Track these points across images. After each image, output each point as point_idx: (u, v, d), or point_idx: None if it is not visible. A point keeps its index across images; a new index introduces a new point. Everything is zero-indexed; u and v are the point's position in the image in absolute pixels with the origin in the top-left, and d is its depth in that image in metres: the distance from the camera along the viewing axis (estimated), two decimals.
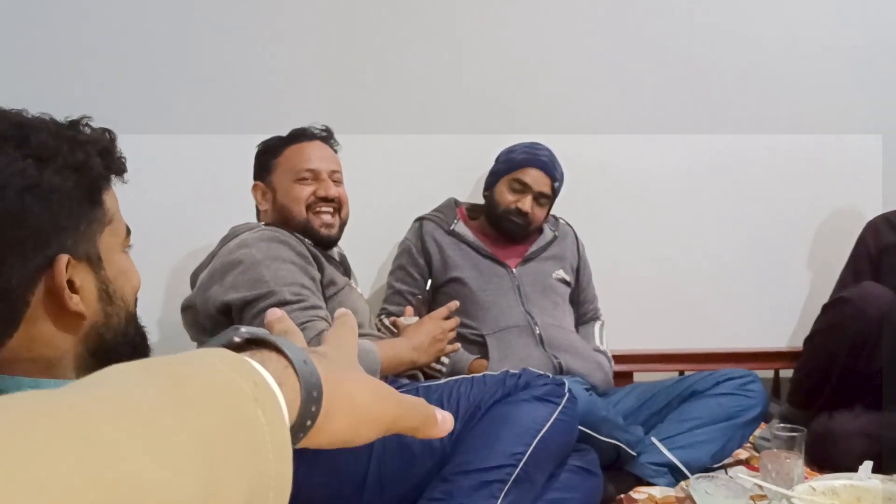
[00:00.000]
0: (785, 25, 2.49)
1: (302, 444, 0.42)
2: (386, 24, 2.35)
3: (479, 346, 2.05)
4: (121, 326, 0.82)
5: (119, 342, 0.83)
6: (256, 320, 1.48)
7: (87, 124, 0.81)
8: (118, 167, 0.83)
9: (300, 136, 1.83)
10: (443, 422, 0.51)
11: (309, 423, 0.41)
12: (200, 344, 1.70)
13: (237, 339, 0.43)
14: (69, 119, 0.81)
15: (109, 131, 0.84)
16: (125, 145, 0.85)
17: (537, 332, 2.05)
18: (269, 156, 1.83)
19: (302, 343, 0.52)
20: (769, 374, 2.52)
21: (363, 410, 0.46)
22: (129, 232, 0.86)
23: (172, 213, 2.18)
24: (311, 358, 0.43)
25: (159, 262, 2.16)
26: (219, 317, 1.58)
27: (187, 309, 1.69)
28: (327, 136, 1.86)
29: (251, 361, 0.39)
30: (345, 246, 1.96)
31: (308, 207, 1.75)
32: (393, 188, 2.37)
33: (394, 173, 2.38)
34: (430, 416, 0.51)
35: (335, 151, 1.87)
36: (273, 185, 1.79)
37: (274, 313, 0.53)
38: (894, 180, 2.53)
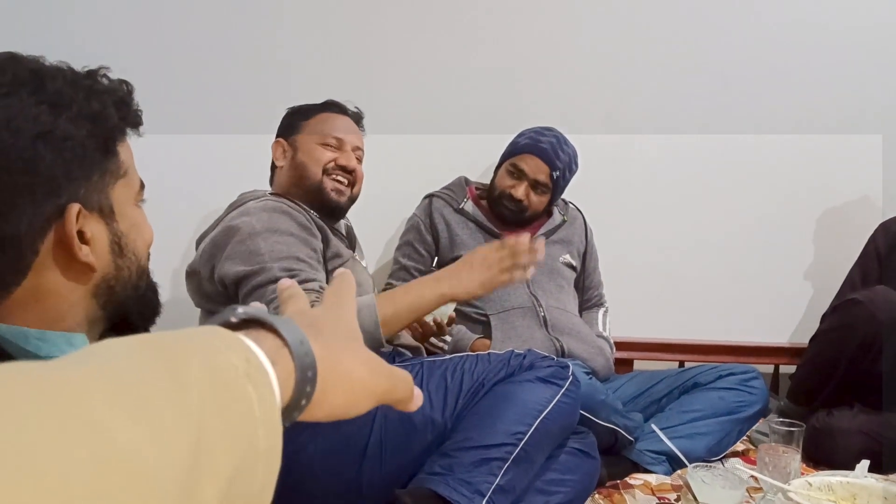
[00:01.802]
0: (787, 26, 2.48)
1: (299, 419, 0.43)
2: (395, 23, 2.34)
3: (482, 325, 2.05)
4: (132, 280, 0.82)
5: (130, 297, 0.82)
6: (251, 297, 1.48)
7: (104, 75, 0.80)
8: (134, 119, 0.82)
9: (334, 106, 1.85)
10: (417, 397, 0.53)
11: (304, 402, 0.42)
12: (204, 310, 1.70)
13: (234, 320, 0.44)
14: (87, 69, 0.80)
15: (127, 83, 0.82)
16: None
17: (541, 314, 2.04)
18: (298, 116, 1.83)
19: (305, 305, 0.53)
20: (769, 369, 2.52)
21: (359, 384, 0.47)
22: (142, 186, 0.85)
23: (187, 176, 2.19)
24: (307, 337, 0.43)
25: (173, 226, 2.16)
26: (219, 287, 1.58)
27: (191, 275, 1.69)
28: (358, 118, 1.88)
29: (245, 339, 0.39)
30: (353, 219, 1.96)
31: (325, 171, 1.75)
32: (406, 170, 2.36)
33: (407, 159, 2.37)
34: (412, 391, 0.53)
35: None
36: (296, 143, 1.79)
37: (284, 283, 0.56)
38: (895, 180, 2.53)
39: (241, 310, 0.44)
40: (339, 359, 0.46)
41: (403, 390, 0.51)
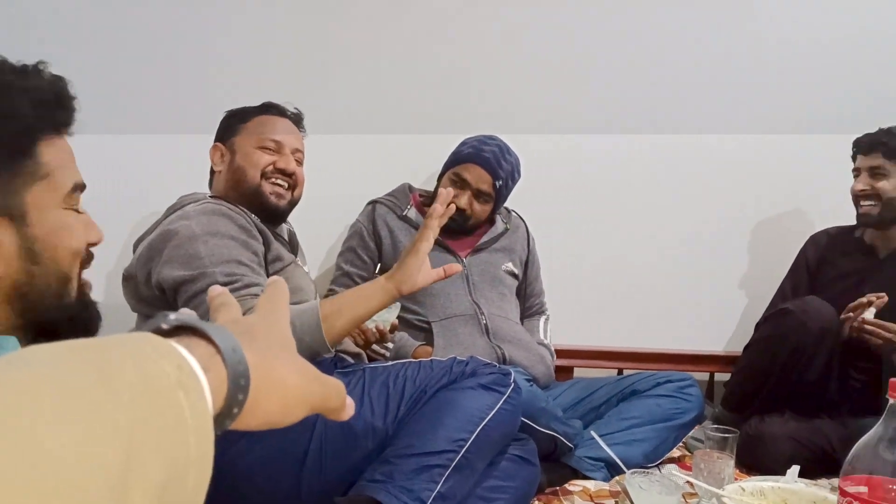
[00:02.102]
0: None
1: (233, 427, 0.43)
2: (348, 25, 2.33)
3: (424, 332, 2.04)
4: (49, 289, 0.78)
5: (52, 306, 0.78)
6: (191, 303, 1.44)
7: (40, 71, 0.77)
8: (61, 118, 0.78)
9: (272, 108, 1.82)
10: (349, 406, 0.53)
11: (236, 410, 0.42)
12: (141, 314, 1.66)
13: (165, 326, 0.43)
14: (21, 63, 0.76)
15: (61, 79, 0.79)
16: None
17: (483, 321, 2.05)
18: (236, 119, 1.80)
19: (238, 314, 0.52)
20: (705, 376, 2.57)
21: (292, 392, 0.47)
22: (79, 188, 0.81)
23: (123, 178, 2.13)
24: (240, 345, 0.43)
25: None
26: (157, 291, 1.54)
27: (128, 279, 1.64)
28: (298, 119, 1.85)
29: (176, 346, 0.39)
30: (296, 224, 1.93)
31: (263, 175, 1.72)
32: (349, 173, 2.35)
33: (351, 161, 2.35)
34: (345, 400, 0.53)
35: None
36: (234, 147, 1.76)
37: (214, 290, 0.55)
38: None
39: (172, 316, 0.43)
40: (273, 366, 0.45)
41: (336, 399, 0.51)
